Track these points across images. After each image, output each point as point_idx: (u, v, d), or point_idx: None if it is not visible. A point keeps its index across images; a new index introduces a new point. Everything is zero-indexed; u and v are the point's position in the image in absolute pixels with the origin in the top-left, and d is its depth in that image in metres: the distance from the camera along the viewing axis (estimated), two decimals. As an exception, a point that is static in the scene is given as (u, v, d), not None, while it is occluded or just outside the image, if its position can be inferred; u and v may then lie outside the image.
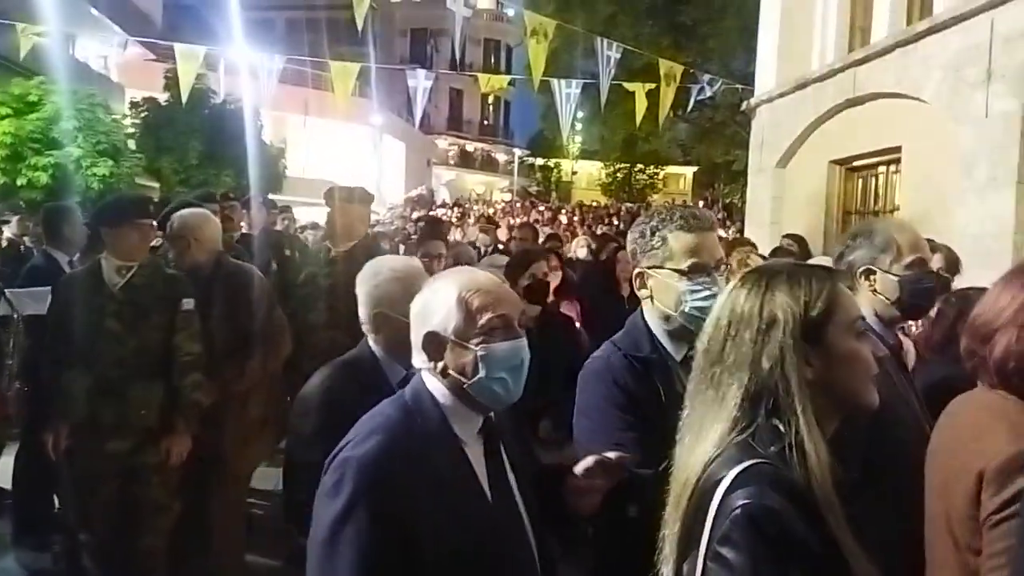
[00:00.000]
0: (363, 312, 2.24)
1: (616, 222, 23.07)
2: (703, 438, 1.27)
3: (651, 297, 2.00)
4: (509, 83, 14.26)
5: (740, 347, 1.27)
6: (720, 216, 24.26)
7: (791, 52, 9.25)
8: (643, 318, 2.03)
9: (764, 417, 1.24)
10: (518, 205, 31.27)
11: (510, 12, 44.06)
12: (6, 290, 3.79)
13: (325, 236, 4.36)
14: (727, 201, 27.33)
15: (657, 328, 1.99)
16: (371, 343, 2.24)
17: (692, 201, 36.76)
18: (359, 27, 8.54)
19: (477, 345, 1.53)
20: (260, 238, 4.94)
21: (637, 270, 2.03)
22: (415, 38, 41.95)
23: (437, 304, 1.57)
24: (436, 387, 1.57)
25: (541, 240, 7.99)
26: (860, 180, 8.56)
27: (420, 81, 10.08)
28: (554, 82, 9.78)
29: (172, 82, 12.42)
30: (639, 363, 1.93)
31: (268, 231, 5.14)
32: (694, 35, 18.81)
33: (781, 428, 1.22)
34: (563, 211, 28.24)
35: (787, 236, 6.82)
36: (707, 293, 1.88)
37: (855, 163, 8.42)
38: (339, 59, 11.28)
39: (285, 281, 4.27)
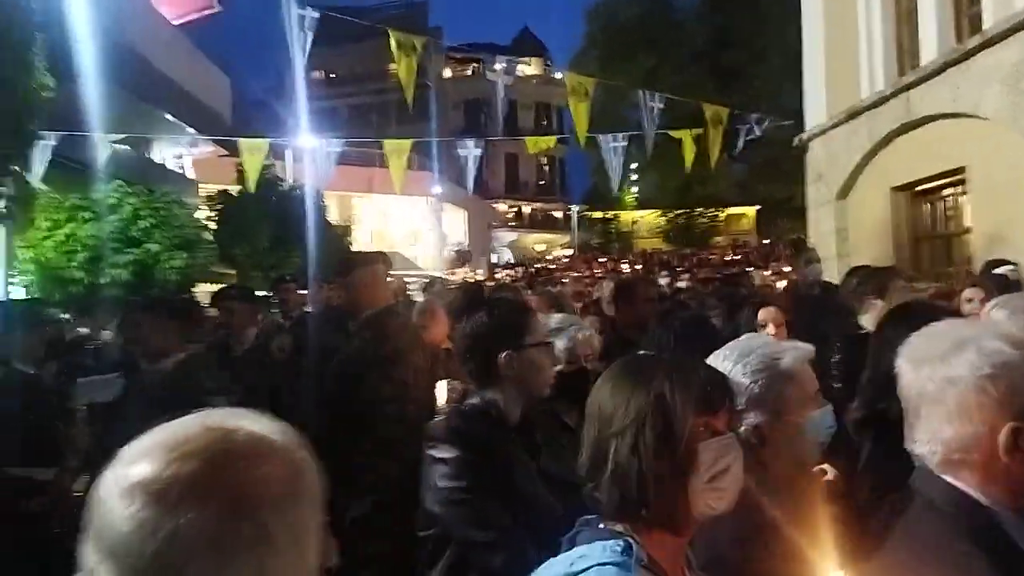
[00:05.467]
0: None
1: (678, 267, 22.81)
2: None
3: None
4: (557, 142, 14.48)
5: None
6: (788, 252, 23.70)
7: (839, 82, 9.11)
8: None
9: None
10: (577, 259, 31.35)
11: (558, 75, 45.19)
12: (79, 379, 3.95)
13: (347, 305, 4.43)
14: (792, 237, 26.70)
15: None
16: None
17: (756, 239, 36.06)
18: (409, 106, 8.89)
19: None
20: (316, 315, 5.09)
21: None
22: (468, 109, 43.25)
23: None
24: None
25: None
26: (927, 205, 8.26)
27: (470, 150, 10.34)
28: (600, 137, 9.89)
29: (242, 175, 13.15)
30: None
31: (327, 308, 5.29)
32: (739, 76, 18.80)
33: None
34: (624, 261, 28.16)
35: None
36: None
37: (919, 188, 8.14)
38: (400, 136, 11.72)
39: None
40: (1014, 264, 5.00)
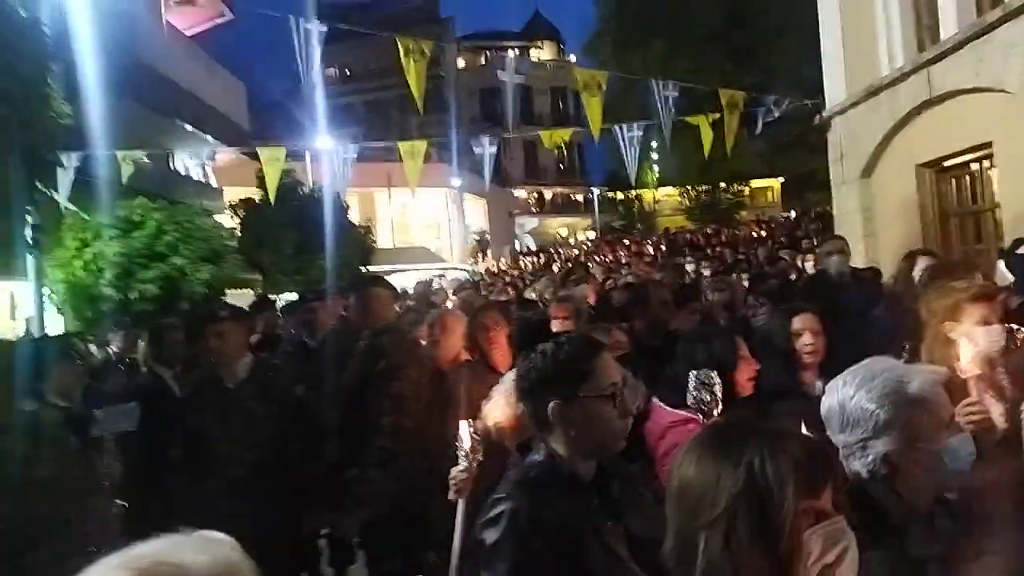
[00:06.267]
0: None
1: (704, 246, 22.53)
2: None
3: None
4: (574, 132, 14.36)
5: None
6: (815, 227, 23.30)
7: (858, 60, 8.90)
8: None
9: None
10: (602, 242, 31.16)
11: (573, 58, 44.80)
12: (95, 411, 3.98)
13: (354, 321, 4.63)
14: (819, 210, 26.22)
15: None
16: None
17: (782, 213, 35.51)
18: (420, 108, 8.88)
19: None
20: (330, 336, 5.15)
21: None
22: (484, 97, 43.10)
23: None
24: None
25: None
26: (953, 180, 8.07)
27: (486, 148, 10.31)
28: (616, 128, 9.78)
29: (263, 180, 13.31)
30: None
31: (342, 324, 5.38)
32: (756, 55, 18.45)
33: None
34: (648, 242, 27.91)
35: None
36: None
37: (945, 164, 7.95)
38: (416, 128, 11.70)
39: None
40: None
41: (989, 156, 7.11)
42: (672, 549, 1.14)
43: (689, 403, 2.61)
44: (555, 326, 4.47)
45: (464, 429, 2.59)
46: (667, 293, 4.79)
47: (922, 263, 4.41)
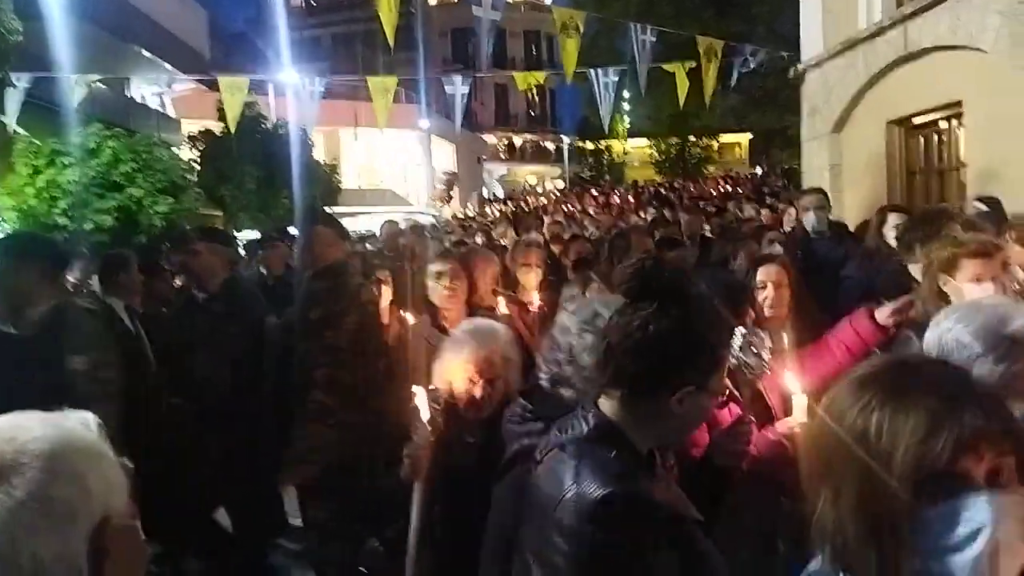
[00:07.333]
0: None
1: (672, 199, 22.60)
2: None
3: None
4: (548, 75, 14.12)
5: None
6: (781, 184, 23.50)
7: (836, 13, 8.83)
8: None
9: None
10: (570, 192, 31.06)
11: (547, 1, 43.79)
12: None
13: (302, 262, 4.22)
14: (785, 167, 26.43)
15: None
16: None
17: (749, 169, 35.74)
18: (390, 44, 8.59)
19: None
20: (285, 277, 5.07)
21: None
22: (456, 38, 42.07)
23: None
24: None
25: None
26: (922, 138, 8.13)
27: (457, 87, 10.05)
28: (591, 72, 9.62)
29: (223, 113, 12.88)
30: None
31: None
32: (737, 4, 18.21)
33: None
34: (615, 194, 27.91)
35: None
36: None
37: (914, 121, 8.00)
38: (384, 66, 11.37)
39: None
40: (996, 198, 4.89)
41: (959, 115, 7.15)
42: (805, 487, 1.03)
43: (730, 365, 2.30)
44: (522, 273, 4.44)
45: (422, 397, 2.22)
46: (650, 241, 4.61)
47: (893, 219, 4.42)
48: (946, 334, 1.57)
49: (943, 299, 2.42)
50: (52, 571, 0.82)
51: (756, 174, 31.11)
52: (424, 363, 2.66)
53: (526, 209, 24.45)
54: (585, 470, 1.40)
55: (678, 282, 1.50)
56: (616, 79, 9.66)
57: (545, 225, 9.43)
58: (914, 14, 7.22)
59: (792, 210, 9.60)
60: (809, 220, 5.18)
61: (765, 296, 2.96)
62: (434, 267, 3.66)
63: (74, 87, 10.50)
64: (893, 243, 4.14)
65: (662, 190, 27.09)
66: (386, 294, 4.07)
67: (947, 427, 0.91)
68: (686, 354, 1.46)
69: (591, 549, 1.34)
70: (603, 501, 1.34)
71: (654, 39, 9.02)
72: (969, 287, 2.40)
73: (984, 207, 4.74)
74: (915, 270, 3.12)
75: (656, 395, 1.46)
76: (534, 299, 3.89)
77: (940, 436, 0.91)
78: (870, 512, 0.93)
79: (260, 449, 3.69)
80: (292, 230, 7.67)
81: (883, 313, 2.50)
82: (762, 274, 3.01)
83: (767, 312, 2.94)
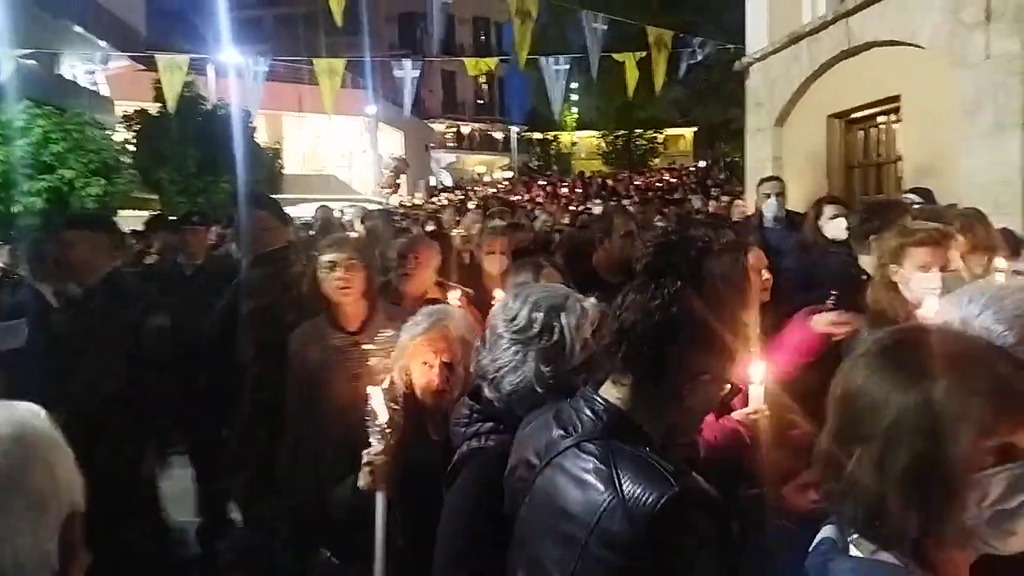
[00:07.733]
0: None
1: (620, 190, 22.88)
2: None
3: None
4: (499, 62, 14.07)
5: None
6: (723, 176, 24.00)
7: (781, 7, 9.01)
8: None
9: None
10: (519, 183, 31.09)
11: (496, -13, 43.54)
12: None
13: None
14: (729, 160, 26.99)
15: None
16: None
17: (693, 162, 36.38)
18: (339, 23, 8.40)
19: None
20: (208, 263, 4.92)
21: None
22: (403, 23, 41.47)
23: None
24: None
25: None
26: (860, 132, 8.37)
27: (407, 72, 9.90)
28: (542, 60, 9.61)
29: (161, 92, 12.41)
30: None
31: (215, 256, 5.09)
32: (684, -3, 18.42)
33: None
34: (563, 184, 28.07)
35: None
36: None
37: (854, 115, 8.22)
38: (328, 49, 11.13)
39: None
40: (929, 189, 5.07)
41: (896, 110, 7.38)
42: (822, 452, 1.04)
43: None
44: (488, 261, 4.31)
45: (377, 397, 2.03)
46: (633, 224, 4.37)
47: (828, 211, 4.50)
48: (972, 319, 1.50)
49: (893, 289, 2.47)
50: (27, 562, 0.80)
51: (700, 167, 31.67)
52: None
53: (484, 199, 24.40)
54: (626, 473, 1.29)
55: (704, 261, 1.43)
56: (567, 67, 9.68)
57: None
58: (856, 9, 7.40)
59: (739, 202, 9.82)
60: (770, 206, 5.24)
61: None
62: (325, 256, 3.02)
63: (2, 61, 9.97)
64: (828, 235, 4.24)
65: (609, 181, 27.37)
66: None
67: (1013, 399, 0.94)
68: (707, 339, 1.36)
69: (656, 554, 1.25)
70: (668, 504, 1.24)
71: (605, 27, 9.05)
72: (917, 275, 2.44)
73: (917, 199, 4.90)
74: (865, 262, 3.13)
75: (669, 382, 1.38)
76: (496, 293, 3.75)
77: (1008, 407, 0.94)
78: (922, 477, 0.94)
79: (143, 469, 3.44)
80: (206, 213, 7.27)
81: (820, 321, 2.51)
82: (752, 259, 2.95)
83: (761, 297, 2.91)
